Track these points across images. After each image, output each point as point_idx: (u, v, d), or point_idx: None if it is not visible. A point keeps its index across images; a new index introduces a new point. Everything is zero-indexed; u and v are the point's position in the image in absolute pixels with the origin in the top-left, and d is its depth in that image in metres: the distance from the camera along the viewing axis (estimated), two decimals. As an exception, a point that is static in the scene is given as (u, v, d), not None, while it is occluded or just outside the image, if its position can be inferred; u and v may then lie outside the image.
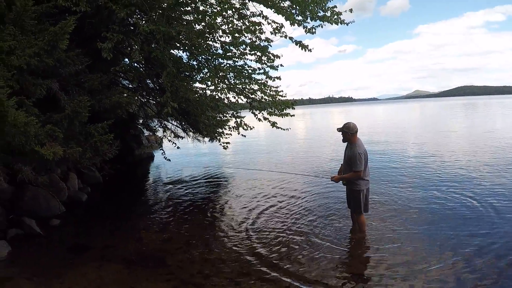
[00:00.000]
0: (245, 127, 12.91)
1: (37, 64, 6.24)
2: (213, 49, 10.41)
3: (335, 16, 8.55)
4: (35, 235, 7.46)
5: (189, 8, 9.10)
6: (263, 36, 9.60)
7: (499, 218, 7.17)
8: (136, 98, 12.80)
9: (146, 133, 19.85)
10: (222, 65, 10.45)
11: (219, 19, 8.74)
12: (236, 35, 9.01)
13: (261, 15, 9.26)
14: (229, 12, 8.70)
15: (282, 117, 10.74)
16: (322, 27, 8.83)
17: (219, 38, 9.89)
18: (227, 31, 9.17)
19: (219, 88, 10.73)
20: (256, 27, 9.13)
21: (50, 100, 7.41)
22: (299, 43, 9.01)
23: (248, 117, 12.64)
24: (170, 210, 9.17)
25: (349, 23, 8.83)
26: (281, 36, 9.40)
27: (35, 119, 5.58)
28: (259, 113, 11.36)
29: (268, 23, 9.34)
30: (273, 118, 11.04)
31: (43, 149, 5.87)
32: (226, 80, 10.72)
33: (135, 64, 12.03)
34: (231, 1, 8.54)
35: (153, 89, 13.50)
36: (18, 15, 6.16)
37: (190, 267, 5.78)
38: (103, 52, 7.52)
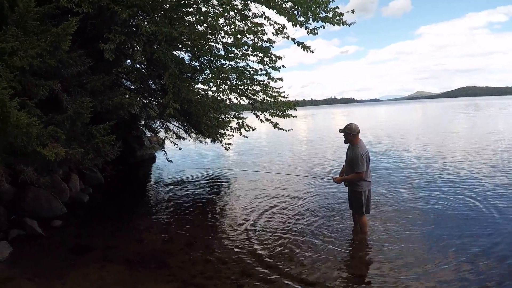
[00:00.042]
0: (247, 128, 12.89)
1: (39, 65, 6.24)
2: (215, 50, 10.42)
3: (337, 17, 8.54)
4: (36, 236, 7.46)
5: (191, 9, 9.10)
6: (265, 37, 9.63)
7: (502, 219, 7.15)
8: (138, 99, 12.80)
9: (148, 134, 19.87)
10: (224, 66, 10.46)
11: (221, 20, 8.76)
12: (238, 36, 9.02)
13: (263, 16, 9.28)
14: (231, 13, 8.71)
15: (284, 118, 10.74)
16: (324, 28, 8.83)
17: (221, 39, 9.89)
18: (229, 32, 9.18)
19: (221, 89, 10.72)
20: (258, 28, 9.14)
21: (52, 101, 7.42)
22: (301, 44, 9.01)
23: (250, 118, 12.64)
24: (172, 211, 9.18)
25: (351, 24, 8.81)
26: (283, 37, 9.42)
27: (37, 120, 5.59)
28: (261, 114, 11.36)
29: (270, 24, 9.37)
30: (275, 119, 11.04)
31: (45, 150, 5.87)
32: (228, 81, 10.72)
33: (137, 65, 12.03)
34: (233, 2, 8.54)
35: (155, 90, 13.51)
36: (20, 16, 6.17)
37: (191, 268, 5.77)
38: (105, 53, 7.53)
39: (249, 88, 11.11)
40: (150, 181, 14.05)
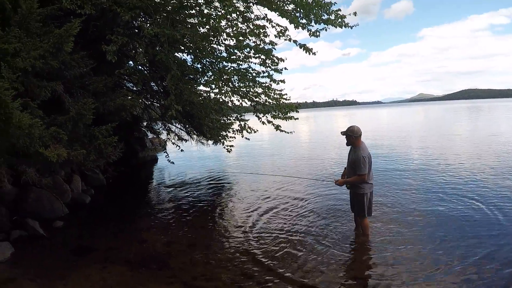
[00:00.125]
0: (249, 130, 12.89)
1: (42, 66, 6.25)
2: (218, 52, 10.42)
3: (339, 19, 8.55)
4: (38, 236, 7.48)
5: (194, 11, 9.11)
6: (267, 39, 9.63)
7: (506, 221, 7.15)
8: (140, 100, 12.83)
9: (150, 135, 19.89)
10: (226, 68, 10.46)
11: (223, 22, 8.77)
12: (241, 38, 9.02)
13: (266, 18, 9.30)
14: (234, 15, 8.73)
15: (286, 120, 10.75)
16: (326, 30, 8.83)
17: (224, 41, 9.90)
18: (232, 34, 9.19)
19: (223, 91, 10.73)
20: (261, 30, 9.15)
21: (55, 102, 7.43)
22: (303, 46, 9.02)
23: (252, 120, 12.65)
24: (174, 212, 9.18)
25: (353, 26, 8.82)
26: (285, 39, 9.42)
27: (40, 121, 5.59)
28: (263, 116, 11.36)
29: (272, 26, 9.38)
30: (277, 121, 11.04)
31: (47, 151, 5.88)
32: (230, 83, 10.73)
33: (140, 67, 12.05)
34: (236, 4, 8.55)
35: (157, 91, 13.52)
36: (23, 17, 6.18)
37: (193, 269, 5.77)
38: (108, 54, 7.54)
39: (251, 90, 11.12)
40: (152, 183, 14.07)
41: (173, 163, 15.17)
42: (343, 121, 59.68)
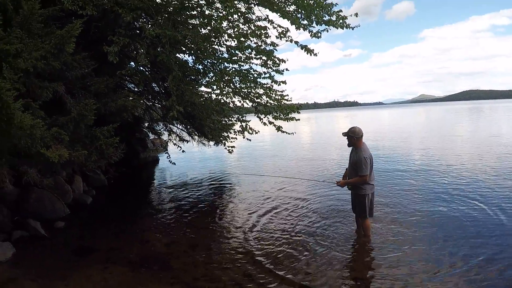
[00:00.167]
0: (250, 131, 12.89)
1: (43, 67, 6.26)
2: (219, 53, 10.42)
3: (341, 20, 8.55)
4: (39, 237, 7.49)
5: (195, 12, 9.11)
6: (268, 41, 9.61)
7: (509, 222, 7.15)
8: (141, 101, 12.85)
9: (152, 136, 19.89)
10: (227, 69, 10.45)
11: (224, 23, 8.77)
12: (242, 39, 9.02)
13: (267, 19, 9.29)
14: (235, 16, 8.73)
15: (287, 121, 10.75)
16: (327, 31, 8.83)
17: (225, 42, 9.89)
18: (233, 35, 9.18)
19: (224, 92, 10.73)
20: (262, 31, 9.14)
21: (56, 103, 7.44)
22: (304, 47, 9.01)
23: (253, 121, 12.65)
24: (175, 213, 9.18)
25: (354, 27, 8.80)
26: (286, 41, 9.41)
27: (41, 121, 5.60)
28: (264, 117, 11.36)
29: (274, 28, 9.36)
30: (278, 122, 11.04)
31: (49, 151, 5.89)
32: (231, 84, 10.72)
33: (141, 68, 12.07)
34: (237, 5, 8.55)
35: (159, 92, 13.53)
36: (25, 18, 6.19)
37: (194, 270, 5.77)
38: (109, 55, 7.55)
39: (253, 91, 11.11)
40: (153, 184, 14.08)
41: (174, 164, 15.17)
42: (345, 122, 59.64)
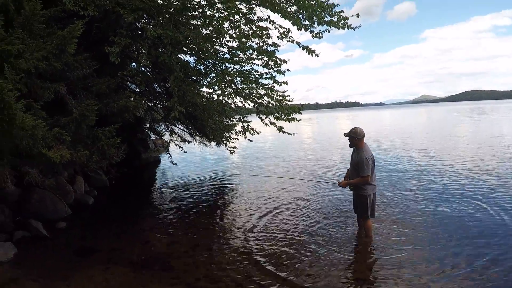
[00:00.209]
0: (251, 132, 12.90)
1: (45, 68, 6.28)
2: (220, 53, 10.44)
3: (342, 21, 8.54)
4: (41, 237, 7.50)
5: (196, 13, 9.12)
6: (270, 41, 9.62)
7: (512, 222, 7.11)
8: (143, 102, 12.85)
9: (153, 137, 19.90)
10: (229, 69, 10.46)
11: (226, 24, 8.78)
12: (243, 39, 9.03)
13: (268, 20, 9.29)
14: (236, 17, 8.74)
15: (289, 122, 10.75)
16: (329, 32, 8.83)
17: (226, 43, 9.91)
18: (234, 35, 9.19)
19: (226, 93, 10.74)
20: (263, 32, 9.15)
21: (58, 103, 7.45)
22: (306, 48, 9.02)
23: (254, 121, 12.65)
24: (176, 214, 9.17)
25: (356, 27, 8.80)
26: (288, 41, 9.42)
27: (43, 122, 5.61)
28: (266, 118, 11.36)
29: (275, 28, 9.38)
30: (280, 123, 11.04)
31: (51, 152, 5.90)
32: (233, 85, 10.73)
33: (143, 68, 12.09)
34: (238, 6, 8.56)
35: (160, 93, 13.54)
36: (26, 19, 6.20)
37: (195, 271, 5.77)
38: (111, 56, 7.56)
39: (254, 91, 11.12)
40: (155, 184, 14.08)
41: (176, 164, 15.17)
42: (346, 122, 59.60)
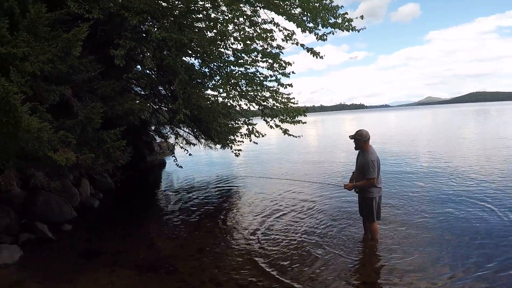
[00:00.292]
0: (257, 134, 12.90)
1: (50, 71, 6.30)
2: (225, 56, 10.43)
3: (346, 23, 8.53)
4: (47, 239, 7.51)
5: (201, 16, 9.14)
6: (274, 43, 9.62)
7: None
8: (148, 105, 12.87)
9: (158, 139, 19.96)
10: (234, 72, 10.45)
11: (230, 26, 8.77)
12: (248, 42, 9.02)
13: (273, 22, 9.29)
14: (241, 19, 8.72)
15: (294, 124, 10.72)
16: (333, 34, 8.82)
17: (231, 45, 9.91)
18: (239, 38, 9.19)
19: (231, 95, 10.75)
20: (268, 34, 9.15)
21: (63, 106, 7.48)
22: (310, 50, 8.99)
23: (260, 124, 12.64)
24: (182, 217, 9.17)
25: (360, 29, 8.78)
26: (292, 43, 9.42)
27: (48, 125, 5.62)
28: (270, 120, 11.34)
29: (280, 30, 9.37)
30: (285, 125, 11.01)
31: (56, 154, 5.91)
32: (238, 87, 10.74)
33: (147, 71, 12.11)
34: (243, 8, 8.56)
35: (165, 96, 13.57)
36: (32, 22, 6.23)
37: (201, 274, 5.75)
38: (116, 59, 7.57)
39: (259, 94, 11.11)
40: (160, 187, 14.08)
41: (181, 167, 15.21)
42: (351, 125, 59.48)
